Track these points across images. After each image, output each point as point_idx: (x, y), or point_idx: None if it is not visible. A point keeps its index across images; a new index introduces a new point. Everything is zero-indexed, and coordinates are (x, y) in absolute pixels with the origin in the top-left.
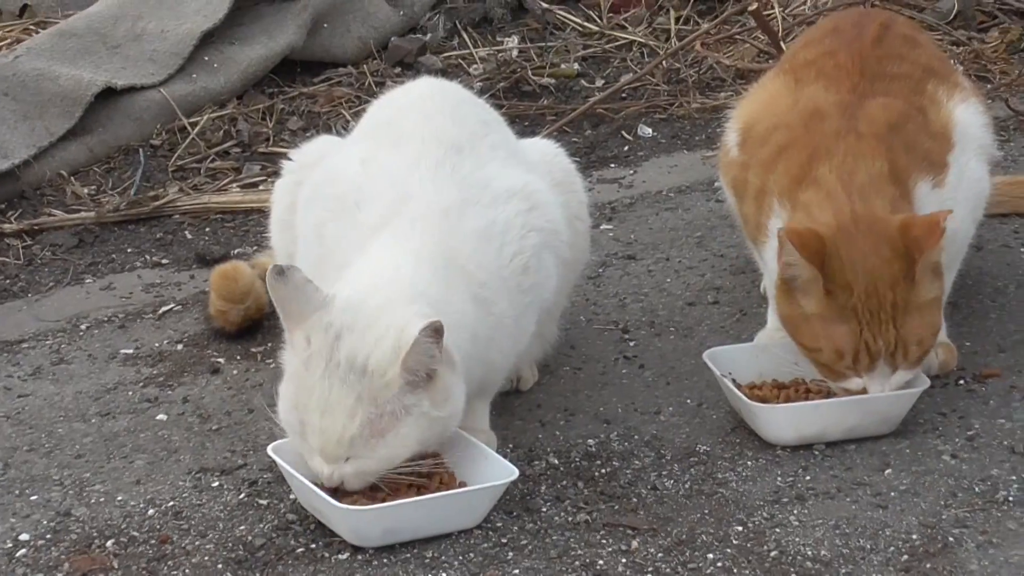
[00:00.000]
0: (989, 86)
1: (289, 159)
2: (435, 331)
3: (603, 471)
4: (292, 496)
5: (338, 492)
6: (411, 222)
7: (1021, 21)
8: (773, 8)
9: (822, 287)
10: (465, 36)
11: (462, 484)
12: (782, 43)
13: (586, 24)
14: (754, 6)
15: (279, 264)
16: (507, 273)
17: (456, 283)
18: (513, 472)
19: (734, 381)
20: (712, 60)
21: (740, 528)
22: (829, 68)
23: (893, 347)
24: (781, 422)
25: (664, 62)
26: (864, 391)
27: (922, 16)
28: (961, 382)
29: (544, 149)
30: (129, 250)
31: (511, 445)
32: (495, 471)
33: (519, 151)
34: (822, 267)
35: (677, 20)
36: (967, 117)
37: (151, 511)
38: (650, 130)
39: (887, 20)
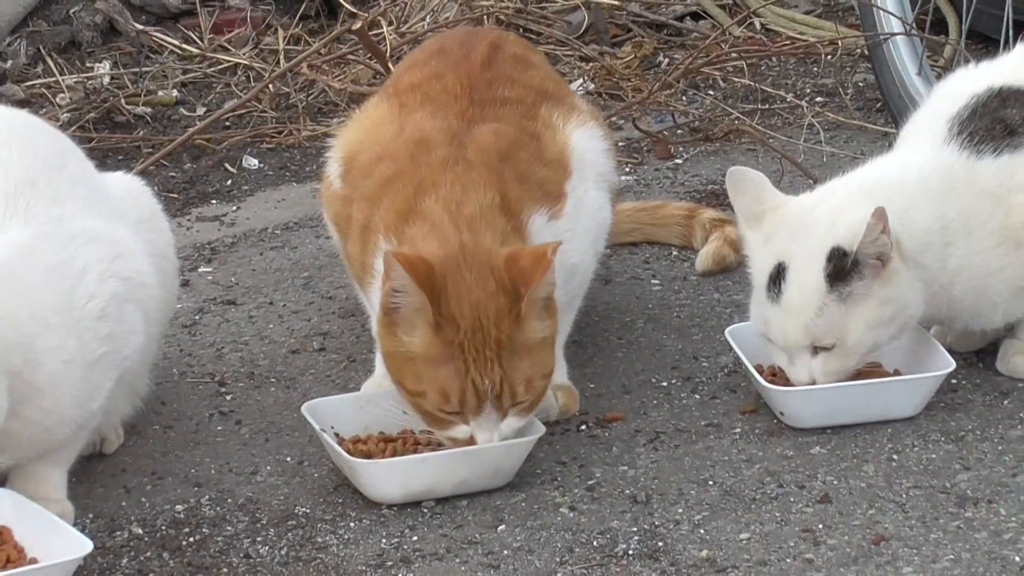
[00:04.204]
0: (621, 104)
1: None
2: None
3: (191, 539)
4: None
5: None
6: None
7: (656, 34)
8: (382, 27)
9: (430, 318)
10: (50, 62)
11: (33, 561)
12: (391, 65)
13: (185, 47)
14: (359, 25)
15: None
16: (81, 314)
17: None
18: (87, 546)
19: (337, 435)
20: (322, 83)
21: None
22: (436, 92)
23: (499, 388)
24: (385, 479)
25: (271, 86)
26: (471, 441)
27: (551, 31)
28: (583, 427)
29: (128, 184)
30: None
31: (91, 515)
32: (67, 545)
33: (101, 186)
34: (431, 294)
35: (286, 40)
36: (585, 143)
37: None
38: (256, 161)
39: (497, 39)
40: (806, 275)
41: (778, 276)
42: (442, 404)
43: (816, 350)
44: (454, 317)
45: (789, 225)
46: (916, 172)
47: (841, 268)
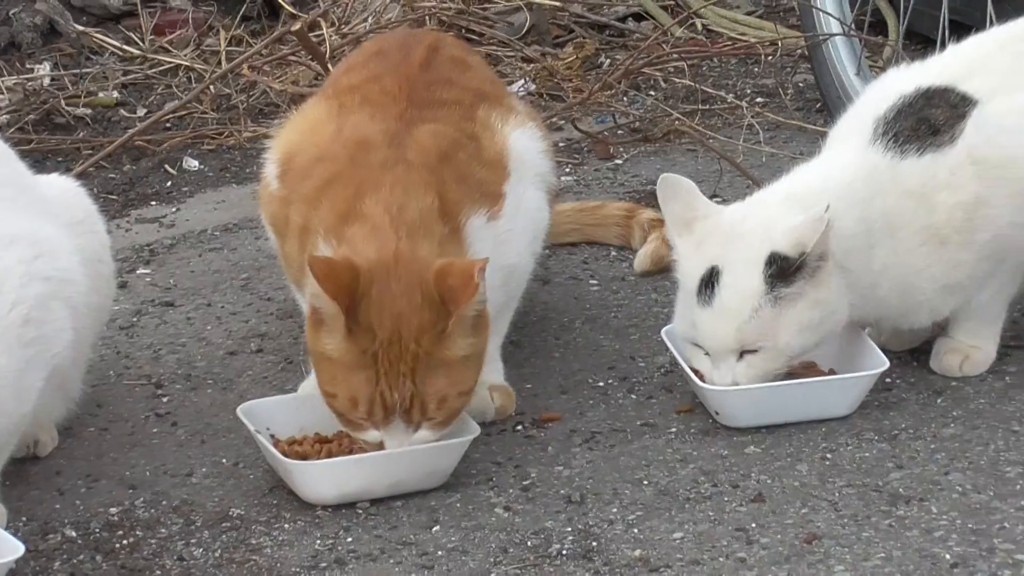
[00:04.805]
0: (562, 105)
1: None
2: None
3: (125, 542)
4: None
5: None
6: None
7: (598, 35)
8: (323, 29)
9: (344, 325)
10: None
11: None
12: (331, 66)
13: (127, 48)
14: (297, 26)
15: None
16: (6, 324)
17: None
18: (19, 549)
19: (272, 437)
20: (263, 84)
21: None
22: (375, 94)
23: (408, 403)
24: (320, 480)
25: (212, 87)
26: (382, 446)
27: (493, 32)
28: (519, 428)
29: (63, 186)
30: None
31: (24, 518)
32: None
33: (32, 188)
34: (347, 303)
35: (228, 41)
36: (523, 144)
37: None
38: (196, 162)
39: (435, 42)
40: (742, 279)
41: (711, 280)
42: (351, 410)
43: (742, 354)
44: (371, 326)
45: (722, 233)
46: (839, 176)
47: (785, 269)
